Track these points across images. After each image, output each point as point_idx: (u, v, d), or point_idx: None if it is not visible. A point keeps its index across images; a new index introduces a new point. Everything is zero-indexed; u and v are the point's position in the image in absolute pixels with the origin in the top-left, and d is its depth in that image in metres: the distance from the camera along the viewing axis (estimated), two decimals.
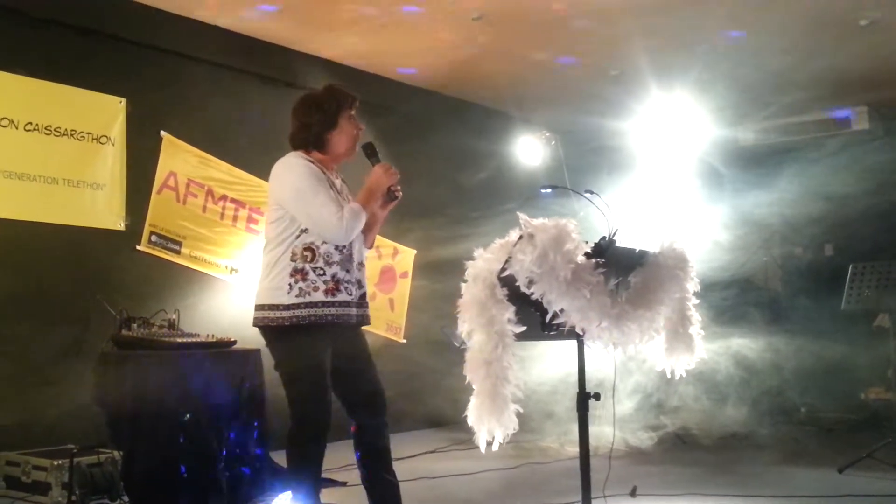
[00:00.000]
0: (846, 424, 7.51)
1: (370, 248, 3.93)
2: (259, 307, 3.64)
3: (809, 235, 9.13)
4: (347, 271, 3.64)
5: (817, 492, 5.04)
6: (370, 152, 3.80)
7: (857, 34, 6.66)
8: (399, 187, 3.76)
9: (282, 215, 3.61)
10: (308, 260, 3.56)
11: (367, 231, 3.79)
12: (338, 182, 3.77)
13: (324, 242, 3.58)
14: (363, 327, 3.81)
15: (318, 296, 3.54)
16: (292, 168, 3.64)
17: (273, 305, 3.56)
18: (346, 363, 3.68)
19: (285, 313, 3.53)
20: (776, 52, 7.09)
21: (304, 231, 3.57)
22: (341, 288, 3.60)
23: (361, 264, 3.76)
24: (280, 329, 3.56)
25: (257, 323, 3.64)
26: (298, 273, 3.55)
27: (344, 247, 3.63)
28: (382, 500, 3.77)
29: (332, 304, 3.56)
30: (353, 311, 3.66)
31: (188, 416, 4.43)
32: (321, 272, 3.56)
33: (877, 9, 6.22)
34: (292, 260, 3.56)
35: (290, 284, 3.54)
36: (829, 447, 6.56)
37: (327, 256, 3.58)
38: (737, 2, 6.12)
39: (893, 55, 7.16)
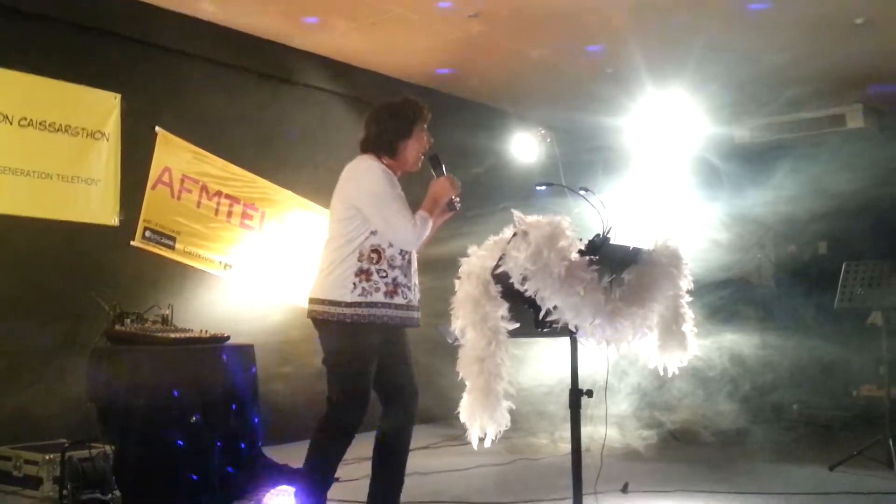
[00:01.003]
0: (838, 422, 7.53)
1: (418, 253, 4.01)
2: (318, 301, 3.74)
3: (803, 233, 9.16)
4: (406, 275, 3.78)
5: (809, 489, 5.06)
6: (435, 163, 3.93)
7: (851, 32, 6.68)
8: (459, 199, 3.92)
9: (353, 215, 3.73)
10: (374, 262, 3.69)
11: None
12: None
13: (390, 246, 3.72)
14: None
15: (379, 297, 3.68)
16: (372, 171, 3.75)
17: (335, 302, 3.67)
18: (389, 358, 3.81)
19: (347, 310, 3.66)
20: (771, 50, 7.10)
21: (374, 233, 3.71)
22: (399, 291, 3.73)
23: (416, 269, 3.89)
24: (340, 325, 3.66)
25: (315, 315, 3.75)
26: (363, 273, 3.68)
27: (406, 253, 3.77)
28: (383, 494, 3.86)
29: (390, 305, 3.71)
30: (408, 313, 3.80)
31: (195, 417, 4.44)
32: (384, 274, 3.70)
33: (871, 7, 6.23)
34: (359, 260, 3.69)
35: (353, 283, 3.67)
36: (820, 444, 6.59)
37: (391, 260, 3.72)
38: (732, 1, 6.13)
39: (888, 53, 7.18)
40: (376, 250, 3.70)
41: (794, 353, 7.40)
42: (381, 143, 3.86)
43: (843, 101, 8.49)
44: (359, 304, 3.65)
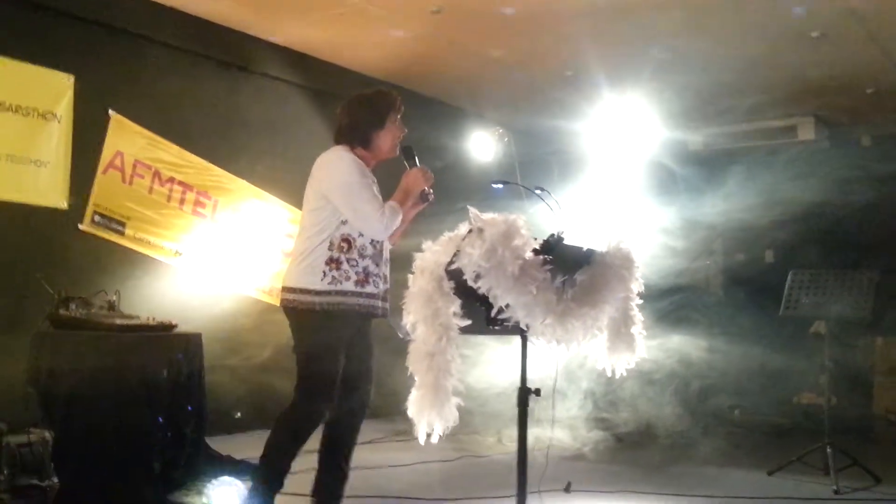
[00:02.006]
0: (778, 428, 7.66)
1: (393, 245, 4.03)
2: (289, 289, 3.77)
3: (751, 241, 9.31)
4: (377, 265, 3.79)
5: (747, 493, 5.14)
6: (409, 154, 3.95)
7: (807, 45, 6.80)
8: (432, 191, 3.93)
9: (323, 205, 3.75)
10: (344, 251, 3.71)
11: (395, 229, 3.93)
12: (373, 176, 3.91)
13: (360, 235, 3.74)
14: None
15: (349, 285, 3.70)
16: (342, 161, 3.78)
17: (305, 290, 3.70)
18: (355, 349, 3.83)
19: (316, 299, 3.68)
20: (727, 59, 7.20)
21: (344, 223, 3.73)
22: (370, 280, 3.76)
23: (388, 260, 3.91)
24: (309, 313, 3.69)
25: (286, 304, 3.77)
26: (333, 262, 3.70)
27: (377, 242, 3.79)
28: (327, 487, 3.87)
29: (361, 294, 3.73)
30: (378, 303, 3.82)
31: (160, 419, 4.40)
32: (354, 263, 3.72)
33: (827, 22, 6.35)
34: (329, 249, 3.71)
35: (324, 272, 3.69)
36: (760, 450, 6.70)
37: (362, 249, 3.74)
38: (689, 9, 6.20)
39: (841, 67, 7.31)
40: (347, 240, 3.72)
41: (737, 359, 7.53)
42: (355, 134, 3.88)
43: (795, 113, 8.65)
44: (328, 293, 3.67)
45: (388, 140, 3.91)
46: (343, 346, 3.75)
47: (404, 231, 4.02)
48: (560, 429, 6.15)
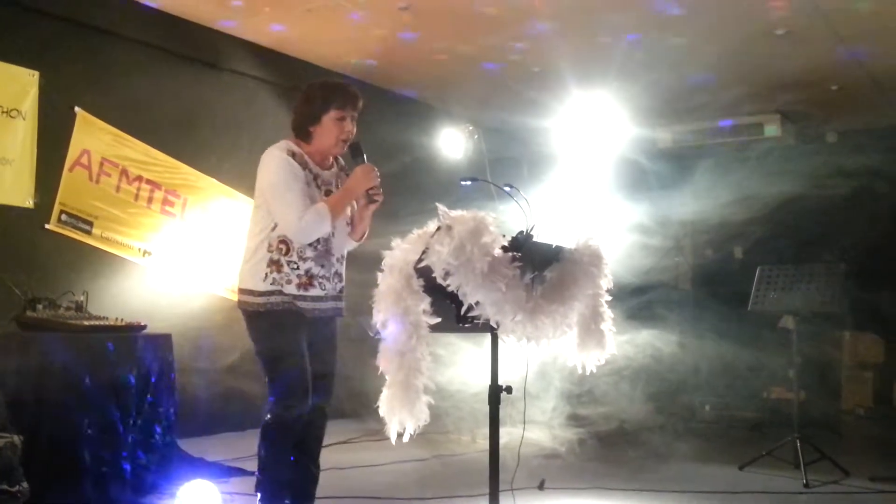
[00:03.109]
0: (748, 423, 7.73)
1: (359, 240, 3.93)
2: (239, 290, 3.72)
3: (720, 237, 9.39)
4: (322, 266, 3.69)
5: (718, 488, 5.18)
6: (355, 153, 3.78)
7: (772, 43, 6.86)
8: (380, 191, 3.77)
9: (260, 204, 3.69)
10: (283, 253, 3.62)
11: (354, 226, 3.86)
12: (328, 173, 3.80)
13: None
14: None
15: (291, 289, 3.62)
16: (272, 160, 3.67)
17: (249, 291, 3.65)
18: (312, 354, 3.72)
19: (259, 299, 3.62)
20: (694, 57, 7.25)
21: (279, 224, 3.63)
22: (315, 283, 3.66)
23: (340, 258, 3.81)
24: (256, 315, 3.64)
25: (238, 305, 3.71)
26: (274, 264, 3.62)
27: (319, 242, 3.67)
28: (298, 488, 3.78)
29: (305, 298, 3.64)
30: (328, 304, 3.73)
31: (131, 421, 4.36)
32: (295, 266, 3.63)
33: (792, 20, 6.41)
34: (268, 251, 3.63)
35: (266, 273, 3.62)
36: (731, 445, 6.76)
37: (301, 251, 3.64)
38: (655, 6, 6.23)
39: (807, 64, 7.39)
40: (283, 241, 3.62)
41: (707, 354, 7.59)
42: (297, 129, 3.79)
43: (761, 110, 8.73)
44: (271, 293, 3.60)
45: (327, 137, 3.74)
46: (300, 341, 3.64)
47: (366, 229, 3.91)
48: (532, 427, 6.17)
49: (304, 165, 3.69)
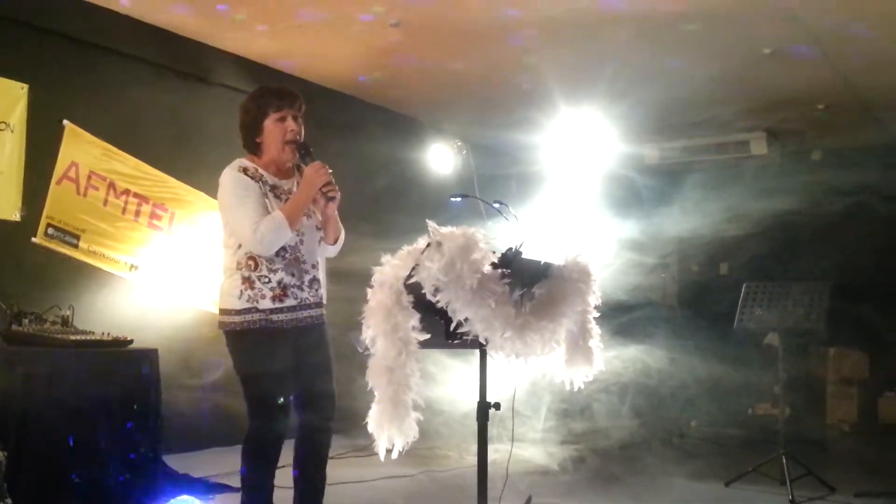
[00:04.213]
0: (734, 439, 7.75)
1: (333, 243, 3.87)
2: (220, 310, 3.71)
3: (706, 254, 9.44)
4: (293, 275, 3.65)
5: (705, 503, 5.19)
6: (304, 152, 3.72)
7: (760, 62, 6.92)
8: (335, 187, 3.68)
9: (224, 224, 3.69)
10: (252, 269, 3.60)
11: (323, 228, 3.79)
12: (287, 183, 3.76)
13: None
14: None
15: (266, 303, 3.59)
16: (224, 180, 3.69)
17: (226, 310, 3.65)
18: (304, 365, 3.71)
19: (237, 318, 3.60)
20: (681, 75, 7.30)
21: None
22: (289, 293, 3.63)
23: (315, 265, 3.75)
24: (233, 333, 3.62)
25: (218, 325, 3.70)
26: (246, 281, 3.60)
27: (286, 251, 3.62)
28: (306, 501, 3.82)
29: (281, 310, 3.61)
30: (305, 313, 3.69)
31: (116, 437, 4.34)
32: (266, 280, 3.60)
33: (780, 39, 6.47)
34: (238, 268, 3.62)
35: (241, 290, 3.60)
36: (717, 461, 6.77)
37: (270, 263, 3.61)
38: (644, 25, 6.28)
39: (793, 83, 7.45)
40: (251, 257, 3.60)
41: (693, 371, 7.61)
42: (246, 145, 3.80)
43: (748, 128, 8.80)
44: (248, 311, 3.58)
45: (271, 143, 3.71)
46: (276, 359, 3.61)
47: (337, 229, 3.85)
48: (520, 444, 6.16)
49: (257, 178, 3.67)
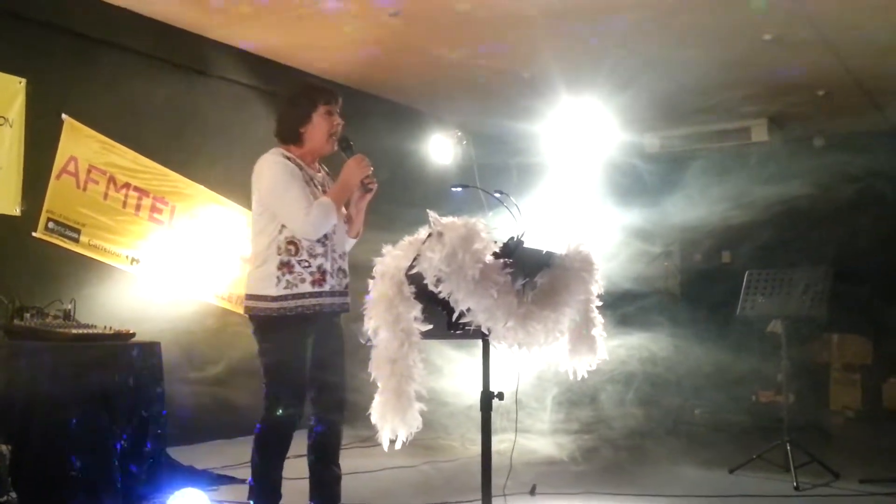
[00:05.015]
0: (738, 426, 7.75)
1: (355, 237, 4.01)
2: (248, 297, 3.77)
3: (708, 242, 9.42)
4: (330, 261, 3.77)
5: (709, 492, 5.19)
6: (345, 146, 3.89)
7: (760, 48, 6.89)
8: (373, 179, 3.87)
9: (262, 211, 3.75)
10: (293, 253, 3.69)
11: (350, 222, 3.94)
12: (319, 175, 3.91)
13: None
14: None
15: (306, 287, 3.69)
16: (269, 165, 3.76)
17: (260, 297, 3.70)
18: (322, 353, 3.80)
19: (273, 304, 3.67)
20: (681, 62, 7.27)
21: (285, 226, 3.68)
22: (327, 278, 3.74)
23: (343, 255, 3.88)
24: (268, 319, 3.68)
25: (247, 311, 3.77)
26: (285, 266, 3.68)
27: (325, 238, 3.75)
28: (323, 490, 3.87)
29: (320, 294, 3.72)
30: (337, 300, 3.80)
31: (120, 430, 4.35)
32: (307, 264, 3.70)
33: (780, 25, 6.44)
34: (278, 254, 3.69)
35: (277, 277, 3.67)
36: (721, 448, 6.76)
37: (311, 249, 3.72)
38: (644, 12, 6.26)
39: (794, 69, 7.43)
40: (292, 242, 3.69)
41: (696, 359, 7.61)
42: (285, 133, 3.88)
43: (748, 115, 8.77)
44: (285, 297, 3.66)
45: (317, 134, 3.86)
46: (305, 350, 3.72)
47: (361, 223, 3.99)
48: (523, 433, 6.16)
49: (299, 167, 3.79)
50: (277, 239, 3.70)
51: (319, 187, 3.83)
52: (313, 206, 3.66)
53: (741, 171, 8.71)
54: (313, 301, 3.70)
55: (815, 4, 6.07)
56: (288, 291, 3.66)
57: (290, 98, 3.93)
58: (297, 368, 3.70)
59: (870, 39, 6.69)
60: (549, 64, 7.14)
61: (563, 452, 6.28)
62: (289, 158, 3.78)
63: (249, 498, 3.72)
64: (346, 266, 3.90)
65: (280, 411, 3.67)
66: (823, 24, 6.43)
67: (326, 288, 3.73)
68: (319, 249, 3.73)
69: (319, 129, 3.85)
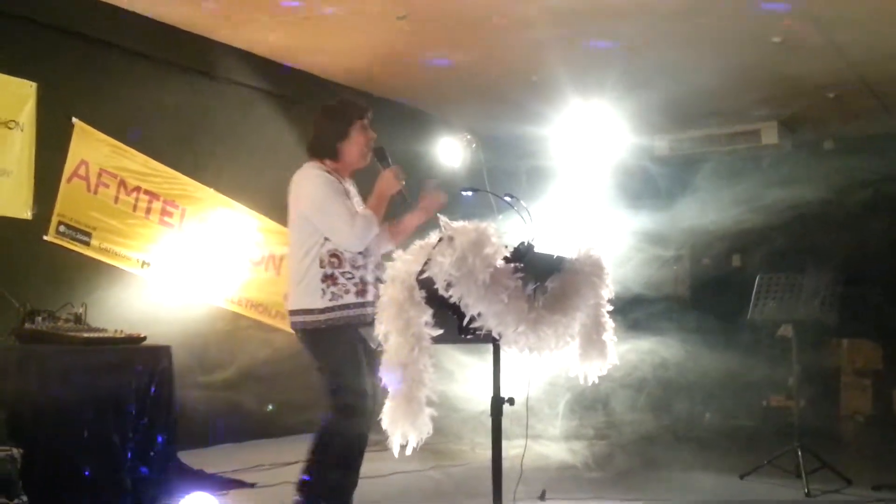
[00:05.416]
0: (749, 431, 7.72)
1: (395, 247, 4.00)
2: (294, 312, 3.84)
3: (718, 246, 9.39)
4: (371, 272, 3.85)
5: (719, 497, 5.18)
6: (380, 156, 3.97)
7: (769, 51, 6.87)
8: (403, 189, 3.95)
9: (304, 224, 3.81)
10: (336, 266, 3.77)
11: (397, 235, 4.04)
12: (352, 190, 3.99)
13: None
14: None
15: (350, 298, 3.77)
16: (310, 179, 3.83)
17: (308, 310, 3.77)
18: (366, 361, 3.85)
19: (320, 317, 3.74)
20: (690, 65, 7.26)
21: (327, 239, 3.76)
22: (368, 288, 3.82)
23: (379, 264, 3.91)
24: (318, 332, 3.75)
25: (295, 327, 3.84)
26: (329, 279, 3.76)
27: (364, 250, 3.83)
28: (346, 494, 3.88)
29: (363, 304, 3.79)
30: (373, 309, 3.81)
31: (130, 433, 4.34)
32: (350, 276, 3.78)
33: (789, 28, 6.42)
34: (321, 267, 3.76)
35: (322, 290, 3.75)
36: (731, 454, 6.74)
37: (353, 261, 3.80)
38: (653, 15, 6.24)
39: (803, 72, 7.40)
40: (335, 255, 3.76)
41: (706, 363, 7.58)
42: (322, 148, 3.93)
43: (758, 118, 8.74)
44: (331, 309, 3.73)
45: (355, 149, 3.94)
46: (361, 356, 3.78)
47: (408, 237, 4.02)
48: (533, 439, 6.15)
49: (338, 181, 3.87)
50: (320, 252, 3.76)
51: (355, 200, 3.92)
52: (357, 219, 3.74)
53: (751, 175, 8.68)
54: (357, 311, 3.77)
55: (824, 7, 6.04)
56: (333, 303, 3.73)
57: (326, 113, 3.99)
58: (359, 375, 3.74)
59: (879, 42, 6.67)
60: (557, 67, 7.13)
61: (573, 458, 6.27)
62: (328, 172, 3.85)
63: (300, 492, 3.75)
64: (382, 276, 3.93)
65: (351, 422, 3.71)
66: (832, 27, 6.41)
67: (369, 298, 3.79)
68: (361, 261, 3.81)
69: (357, 143, 3.94)
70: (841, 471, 5.54)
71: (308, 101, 7.37)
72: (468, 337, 3.05)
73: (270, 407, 6.75)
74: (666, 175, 9.27)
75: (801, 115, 8.68)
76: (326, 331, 3.73)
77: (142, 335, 4.88)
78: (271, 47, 7.14)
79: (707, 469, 6.08)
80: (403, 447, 2.99)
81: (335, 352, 3.76)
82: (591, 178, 8.03)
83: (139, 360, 4.71)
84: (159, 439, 4.72)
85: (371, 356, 3.85)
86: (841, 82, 7.70)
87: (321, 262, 3.75)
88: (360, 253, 3.80)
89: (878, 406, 8.72)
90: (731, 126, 8.87)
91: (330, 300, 3.73)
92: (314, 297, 3.74)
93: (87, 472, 4.26)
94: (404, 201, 3.99)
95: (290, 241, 3.92)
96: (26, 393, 4.26)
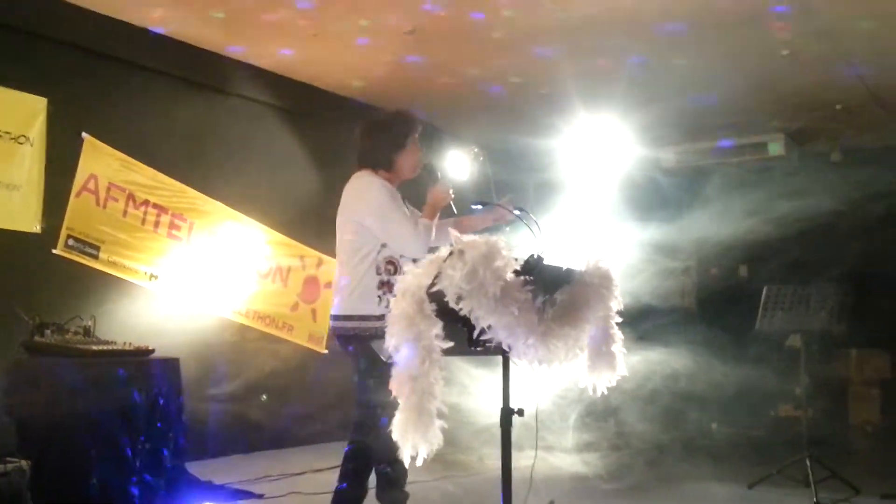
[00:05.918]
0: (757, 441, 7.70)
1: None
2: (347, 317, 3.85)
3: (725, 257, 9.38)
4: None
5: None
6: (431, 172, 4.10)
7: (776, 63, 6.88)
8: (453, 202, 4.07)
9: (361, 232, 3.85)
10: (392, 273, 3.82)
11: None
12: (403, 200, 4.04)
13: (402, 255, 3.83)
14: None
15: None
16: (372, 187, 3.89)
17: (365, 316, 3.79)
18: None
19: (377, 323, 3.69)
20: (698, 78, 7.27)
21: (384, 246, 3.83)
22: None
23: None
24: (370, 339, 3.76)
25: (345, 332, 3.86)
26: (385, 285, 3.80)
27: (415, 260, 3.80)
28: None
29: None
30: None
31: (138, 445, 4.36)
32: None
33: (796, 40, 6.43)
34: (378, 273, 3.82)
35: (378, 297, 3.80)
36: (740, 464, 6.73)
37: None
38: (661, 29, 6.26)
39: (810, 84, 7.41)
40: (391, 262, 3.82)
41: (714, 373, 7.56)
42: (377, 158, 3.99)
43: (765, 130, 8.75)
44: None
45: (409, 161, 4.04)
46: None
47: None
48: (549, 449, 6.15)
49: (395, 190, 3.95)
50: (377, 259, 3.81)
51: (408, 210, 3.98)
52: (419, 225, 3.85)
53: (758, 186, 8.68)
54: None
55: (831, 19, 6.06)
56: (388, 310, 3.70)
57: (386, 123, 4.06)
58: None
59: (885, 53, 6.68)
60: (566, 80, 7.15)
61: (583, 469, 6.26)
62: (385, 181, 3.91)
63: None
64: None
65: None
66: (839, 39, 6.42)
67: None
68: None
69: (412, 156, 4.05)
70: (850, 480, 5.54)
71: (317, 115, 7.41)
72: (478, 349, 3.06)
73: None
74: (673, 187, 9.27)
75: (809, 127, 8.68)
76: (380, 338, 3.73)
77: (150, 347, 4.90)
78: (281, 62, 7.17)
79: (716, 479, 6.07)
80: (414, 458, 3.00)
81: (385, 361, 3.77)
82: (599, 191, 8.04)
83: (148, 372, 4.74)
84: (167, 451, 4.73)
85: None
86: (848, 94, 7.70)
87: (378, 268, 3.81)
88: (412, 261, 3.77)
89: (886, 415, 8.70)
90: (737, 138, 8.88)
91: (385, 307, 3.69)
92: (370, 304, 3.78)
93: (95, 484, 4.27)
94: (452, 214, 4.10)
95: (341, 249, 3.93)
96: (36, 405, 4.28)
